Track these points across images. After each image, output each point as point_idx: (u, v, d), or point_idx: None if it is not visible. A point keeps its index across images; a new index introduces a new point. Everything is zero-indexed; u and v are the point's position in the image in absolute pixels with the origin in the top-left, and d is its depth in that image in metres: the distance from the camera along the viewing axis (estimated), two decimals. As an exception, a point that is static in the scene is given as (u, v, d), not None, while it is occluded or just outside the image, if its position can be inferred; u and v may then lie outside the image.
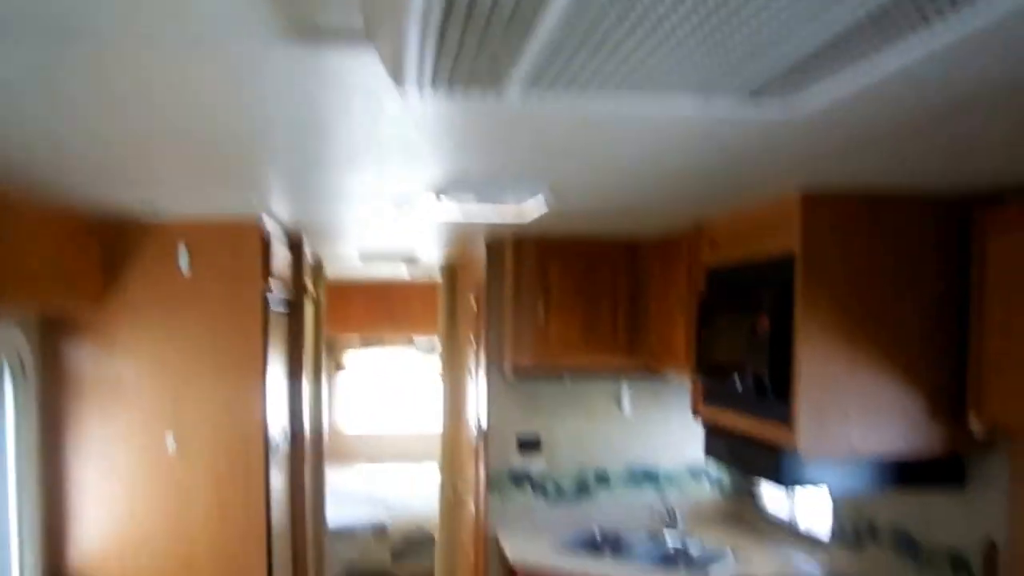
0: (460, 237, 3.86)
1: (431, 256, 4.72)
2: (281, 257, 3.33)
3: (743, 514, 3.94)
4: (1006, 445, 2.18)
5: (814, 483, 2.46)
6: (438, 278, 5.36)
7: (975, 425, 2.15)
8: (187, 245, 2.86)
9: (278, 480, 3.35)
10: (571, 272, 3.53)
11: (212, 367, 2.93)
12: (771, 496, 3.77)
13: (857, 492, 2.35)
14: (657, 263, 3.40)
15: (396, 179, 2.15)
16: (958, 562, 2.39)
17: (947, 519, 2.46)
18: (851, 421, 2.21)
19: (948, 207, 2.20)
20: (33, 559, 2.74)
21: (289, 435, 3.71)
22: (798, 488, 2.75)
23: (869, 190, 2.17)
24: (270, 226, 3.01)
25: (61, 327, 2.85)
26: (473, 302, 4.29)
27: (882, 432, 2.22)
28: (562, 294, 3.53)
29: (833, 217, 2.18)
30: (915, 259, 2.21)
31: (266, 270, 2.96)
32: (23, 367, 2.68)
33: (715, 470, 3.97)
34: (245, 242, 2.93)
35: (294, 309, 3.77)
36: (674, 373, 3.29)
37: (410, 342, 7.53)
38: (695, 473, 3.97)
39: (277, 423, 3.28)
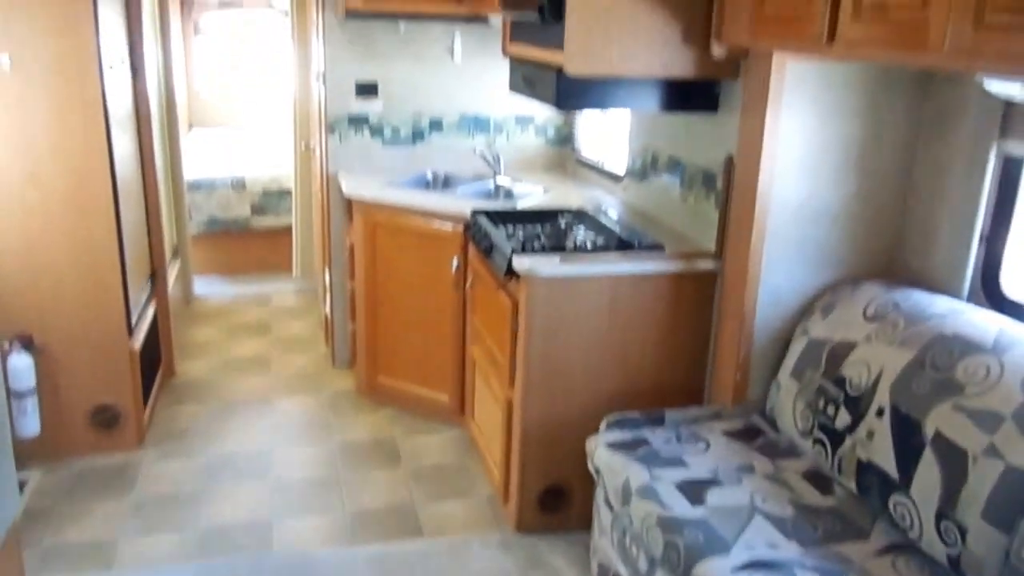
0: None
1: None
2: None
3: (563, 161, 4.44)
4: (750, 70, 2.59)
5: (588, 104, 2.86)
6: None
7: (716, 49, 2.55)
8: None
9: (123, 138, 3.55)
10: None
11: None
12: (585, 143, 4.26)
13: (625, 108, 2.74)
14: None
15: None
16: (708, 177, 2.91)
17: (702, 143, 2.94)
18: (613, 43, 2.54)
19: None
20: None
21: (132, 91, 3.84)
22: (576, 109, 3.16)
23: None
24: None
25: None
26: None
27: (640, 54, 2.57)
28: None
29: None
30: None
31: None
32: None
33: (540, 120, 4.38)
34: None
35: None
36: (495, 16, 3.55)
37: (268, 4, 7.43)
38: (522, 122, 4.38)
39: (113, 52, 3.41)
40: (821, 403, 2.30)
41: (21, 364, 3.19)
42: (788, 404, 2.43)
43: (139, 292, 3.80)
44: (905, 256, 2.57)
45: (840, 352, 2.30)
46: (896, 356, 2.13)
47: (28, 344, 3.28)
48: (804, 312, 2.59)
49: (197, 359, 4.62)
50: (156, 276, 4.24)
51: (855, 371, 2.22)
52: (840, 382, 2.25)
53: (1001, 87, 2.00)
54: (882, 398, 2.10)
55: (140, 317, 3.77)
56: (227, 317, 5.30)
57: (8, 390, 3.11)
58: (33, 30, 3.04)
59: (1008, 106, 2.21)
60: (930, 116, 2.47)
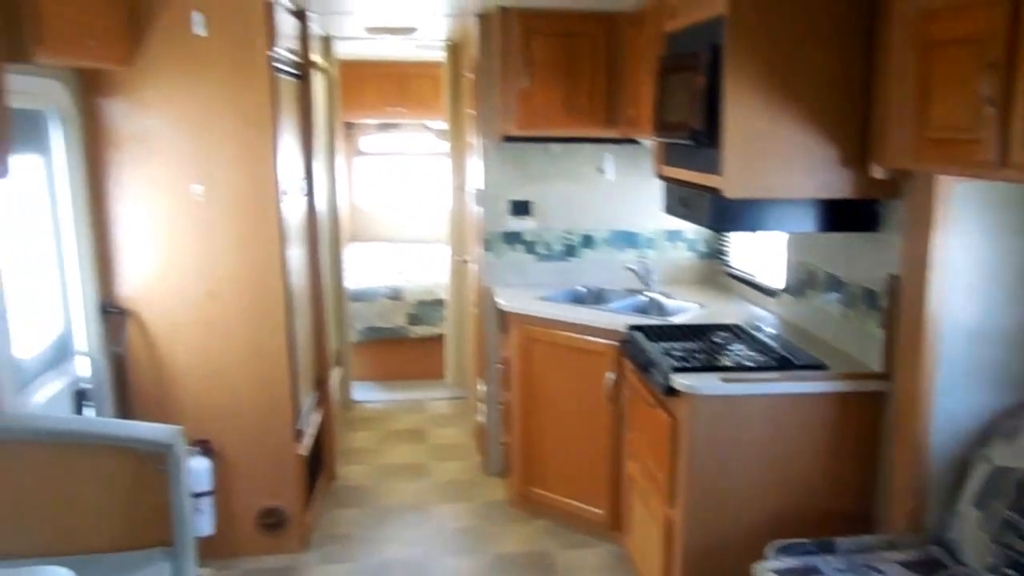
0: (457, 11, 4.17)
1: (435, 31, 5.03)
2: (286, 24, 3.67)
3: (714, 274, 4.47)
4: (910, 190, 2.59)
5: (745, 227, 2.93)
6: (443, 56, 5.67)
7: (876, 171, 2.56)
8: (200, 10, 3.20)
9: (296, 252, 3.85)
10: (553, 44, 3.86)
11: (230, 122, 3.33)
12: (738, 256, 4.28)
13: (783, 231, 2.77)
14: (632, 34, 3.72)
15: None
16: (870, 296, 2.88)
17: (864, 261, 2.93)
18: (770, 167, 2.61)
19: (861, -29, 2.49)
20: (90, 290, 3.28)
21: (305, 211, 4.18)
22: (733, 232, 3.20)
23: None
24: None
25: (98, 85, 3.24)
26: (469, 76, 4.65)
27: (797, 176, 2.62)
28: (545, 66, 3.88)
29: (757, -20, 2.50)
30: (829, 20, 2.53)
31: (271, 35, 3.31)
32: (68, 118, 3.10)
33: (691, 234, 4.45)
34: (251, 8, 3.26)
35: (303, 78, 4.15)
36: (647, 139, 3.69)
37: (424, 128, 7.92)
38: (672, 236, 4.47)
39: (290, 176, 3.74)
40: (1011, 537, 2.18)
41: (199, 467, 3.42)
42: (972, 536, 2.32)
43: (306, 399, 4.03)
44: (1092, 378, 2.45)
45: (1027, 481, 2.20)
46: (1091, 488, 2.02)
47: (206, 449, 3.52)
48: (984, 437, 2.48)
49: (356, 464, 4.82)
50: (321, 383, 4.48)
51: (1045, 503, 2.11)
52: (1029, 514, 2.14)
53: None
54: (1077, 533, 1.99)
55: (307, 423, 3.99)
56: (383, 423, 5.52)
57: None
58: (223, 162, 3.38)
59: None
60: (1111, 232, 2.38)
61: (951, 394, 2.48)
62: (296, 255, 3.87)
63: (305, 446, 3.84)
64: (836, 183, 2.64)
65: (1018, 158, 1.87)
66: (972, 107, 1.98)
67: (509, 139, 4.06)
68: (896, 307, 2.66)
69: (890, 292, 2.69)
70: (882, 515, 2.78)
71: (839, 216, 2.78)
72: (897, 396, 2.67)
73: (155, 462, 2.38)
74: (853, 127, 2.59)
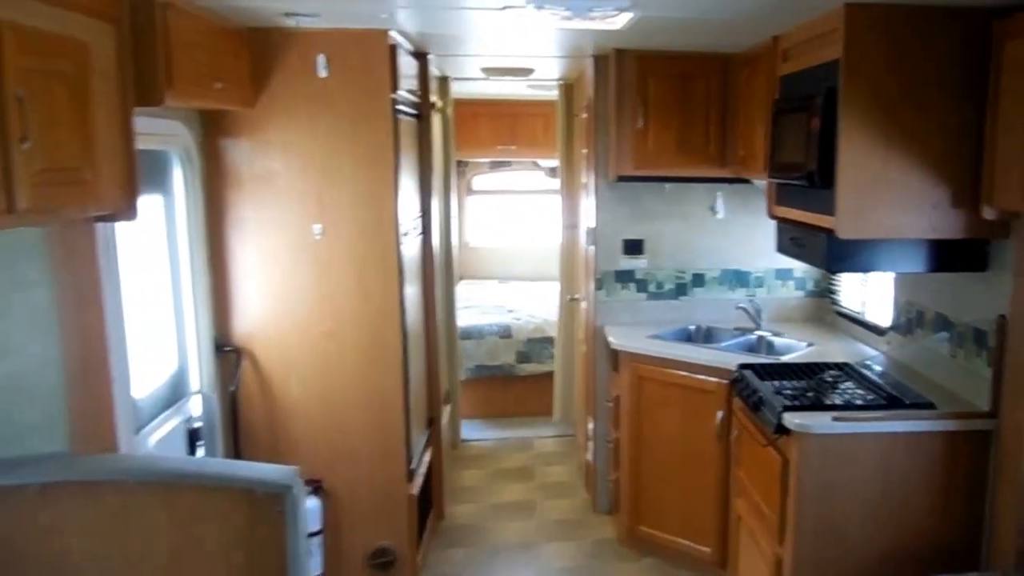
0: (572, 52, 4.35)
1: (549, 72, 5.23)
2: (408, 66, 3.83)
3: (823, 313, 4.48)
4: (1019, 231, 2.60)
5: (858, 267, 2.98)
6: (556, 95, 5.86)
7: (987, 212, 2.59)
8: (324, 53, 3.33)
9: (412, 291, 3.97)
10: (667, 85, 3.99)
11: (351, 163, 3.46)
12: (846, 295, 4.29)
13: (895, 271, 2.80)
14: (744, 76, 3.82)
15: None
16: (979, 335, 2.88)
17: (973, 300, 2.94)
18: (883, 208, 2.68)
19: (972, 17, 2.55)
20: (206, 328, 3.42)
21: (421, 244, 4.32)
22: (846, 272, 3.21)
23: (905, 2, 2.55)
24: (398, 38, 3.52)
25: (220, 126, 3.40)
26: (583, 115, 4.82)
27: (909, 217, 2.69)
28: (659, 107, 4.01)
29: (872, 26, 2.58)
30: (943, 65, 2.60)
31: (394, 77, 3.47)
32: (189, 158, 3.26)
33: (800, 272, 4.48)
34: (375, 51, 3.40)
35: (422, 118, 4.32)
36: (759, 179, 3.77)
37: (535, 166, 8.14)
38: (782, 275, 4.51)
39: (408, 216, 3.86)
40: None
41: (311, 507, 3.45)
42: (1095, 582, 2.30)
43: (418, 438, 4.11)
44: None
45: None
46: None
47: (317, 488, 3.60)
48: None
49: (465, 502, 4.95)
50: (432, 422, 4.59)
51: None
52: None
53: None
54: None
55: (418, 462, 4.04)
56: (492, 461, 5.65)
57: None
58: (343, 202, 3.48)
59: None
60: None
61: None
62: (411, 294, 3.96)
63: (416, 485, 3.89)
64: (947, 224, 2.69)
65: None
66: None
67: (623, 178, 4.20)
68: (1004, 346, 2.66)
69: (999, 331, 2.70)
70: (989, 552, 2.76)
71: (949, 256, 2.82)
72: (1002, 435, 2.67)
73: (272, 503, 2.35)
74: (965, 169, 2.64)
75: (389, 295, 3.59)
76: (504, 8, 2.91)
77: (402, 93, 3.65)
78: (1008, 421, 2.63)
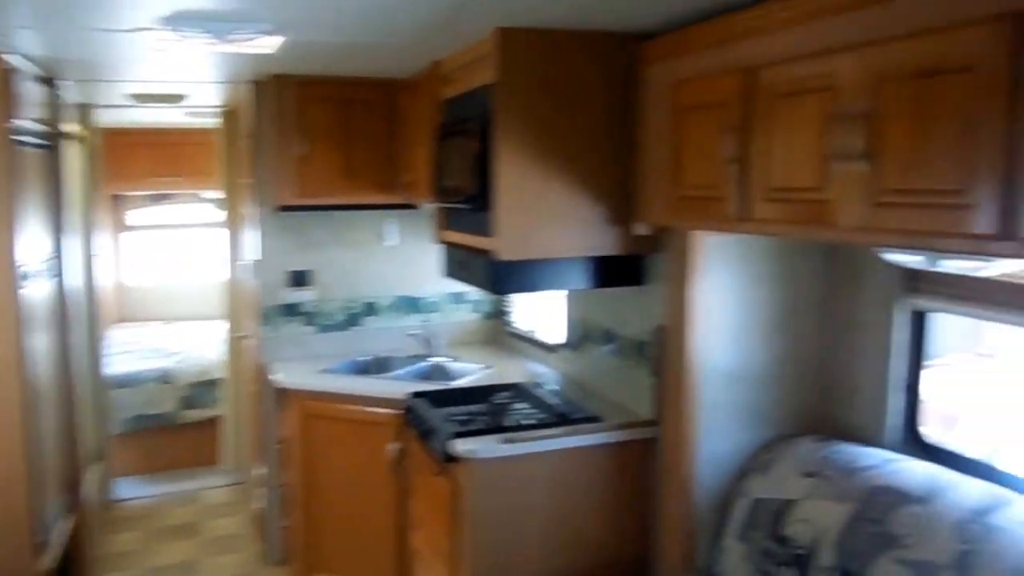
0: (231, 77, 4.13)
1: (207, 98, 4.94)
2: (32, 93, 3.47)
3: (499, 335, 4.62)
4: (671, 244, 2.82)
5: (523, 288, 3.06)
6: (217, 123, 5.58)
7: (639, 228, 2.79)
8: None
9: (42, 340, 3.54)
10: (331, 111, 3.92)
11: None
12: (519, 315, 4.46)
13: (559, 289, 2.93)
14: (408, 100, 3.84)
15: (129, 7, 2.45)
16: (640, 346, 3.09)
17: (634, 313, 3.15)
18: (541, 228, 2.78)
19: (622, 42, 2.73)
20: None
21: (55, 288, 3.88)
22: (512, 293, 3.31)
23: (556, 27, 2.68)
24: (18, 61, 3.16)
25: None
26: (244, 143, 4.60)
27: (568, 237, 2.81)
28: (323, 133, 3.92)
29: (525, 49, 2.67)
30: (593, 87, 2.76)
31: (7, 105, 3.06)
32: None
33: (474, 295, 4.59)
34: None
35: (52, 150, 3.92)
36: (426, 203, 3.80)
37: (197, 199, 7.69)
38: (456, 299, 4.59)
39: (34, 256, 3.46)
40: (768, 564, 2.38)
41: None
42: (736, 567, 2.51)
43: (52, 504, 3.62)
44: (833, 411, 2.75)
45: (781, 510, 2.41)
46: (834, 511, 2.25)
47: None
48: (744, 473, 2.71)
49: (118, 571, 4.46)
50: (73, 485, 4.08)
51: (797, 529, 2.32)
52: (784, 541, 2.35)
53: (895, 257, 2.24)
54: (826, 554, 2.20)
55: (52, 532, 3.54)
56: (151, 520, 5.16)
57: None
58: None
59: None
60: (841, 277, 2.71)
61: (713, 434, 2.71)
62: (41, 343, 3.52)
63: (50, 558, 3.42)
64: (604, 241, 2.85)
65: (757, 214, 2.12)
66: (716, 167, 2.23)
67: (286, 208, 4.04)
68: (663, 355, 2.87)
69: (658, 341, 2.90)
70: (660, 558, 2.94)
71: (609, 272, 2.98)
72: (664, 441, 2.87)
73: None
74: (617, 188, 2.82)
75: (5, 346, 3.14)
76: (135, 30, 2.69)
77: (23, 122, 3.24)
78: (670, 426, 2.81)
